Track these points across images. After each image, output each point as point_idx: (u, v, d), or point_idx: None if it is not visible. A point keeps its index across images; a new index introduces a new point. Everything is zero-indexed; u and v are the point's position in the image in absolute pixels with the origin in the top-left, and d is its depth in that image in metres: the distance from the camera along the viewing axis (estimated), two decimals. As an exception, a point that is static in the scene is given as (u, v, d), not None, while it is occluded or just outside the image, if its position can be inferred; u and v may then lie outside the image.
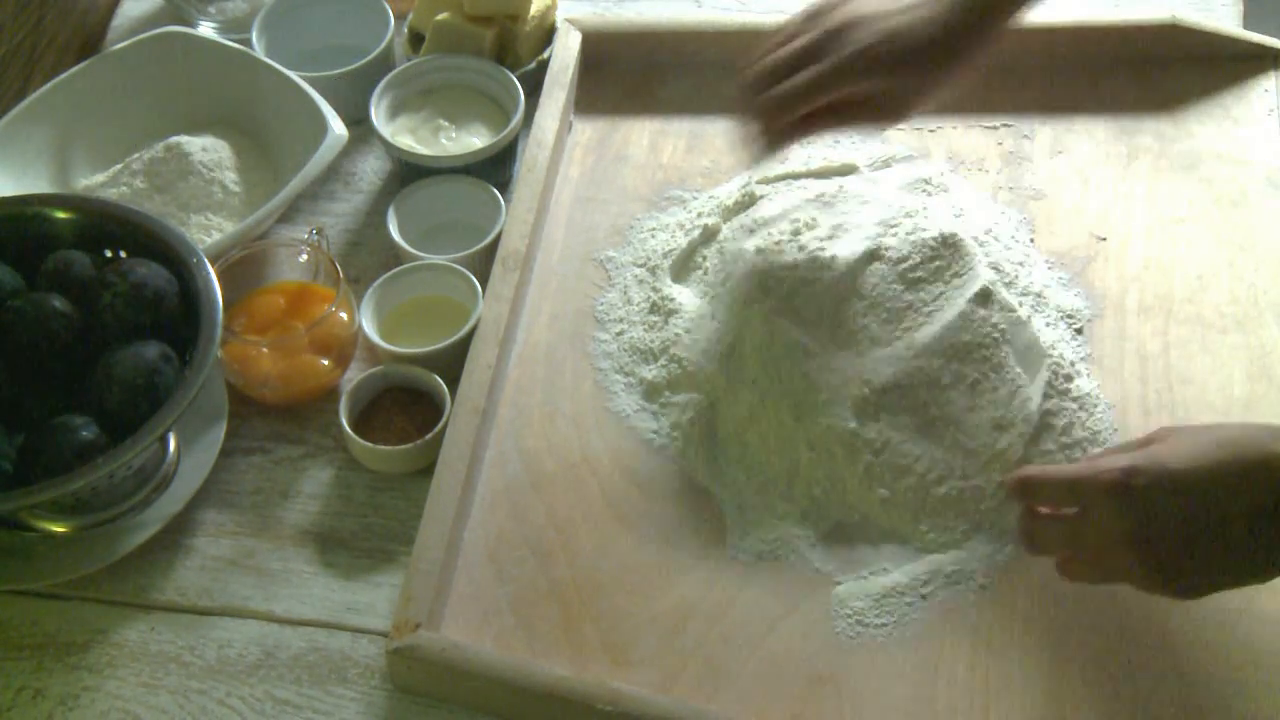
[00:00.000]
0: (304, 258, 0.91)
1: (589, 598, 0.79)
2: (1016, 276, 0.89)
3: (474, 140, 0.99)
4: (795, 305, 0.85)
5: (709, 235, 0.93)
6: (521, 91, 0.99)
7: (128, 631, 0.80)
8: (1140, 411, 0.85)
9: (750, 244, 0.89)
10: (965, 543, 0.80)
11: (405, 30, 1.07)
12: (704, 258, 0.92)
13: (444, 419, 0.84)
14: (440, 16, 1.03)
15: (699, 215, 0.95)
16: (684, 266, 0.93)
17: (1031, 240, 0.94)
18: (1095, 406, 0.85)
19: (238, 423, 0.88)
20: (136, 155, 0.99)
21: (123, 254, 0.85)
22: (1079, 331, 0.89)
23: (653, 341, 0.89)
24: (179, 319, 0.82)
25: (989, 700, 0.74)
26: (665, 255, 0.93)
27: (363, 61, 1.03)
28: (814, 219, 0.89)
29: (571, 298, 0.93)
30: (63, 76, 0.99)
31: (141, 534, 0.81)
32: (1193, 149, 0.99)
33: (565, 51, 1.04)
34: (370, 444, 0.84)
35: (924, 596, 0.78)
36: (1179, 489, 0.66)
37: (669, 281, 0.91)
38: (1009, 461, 0.80)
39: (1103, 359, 0.88)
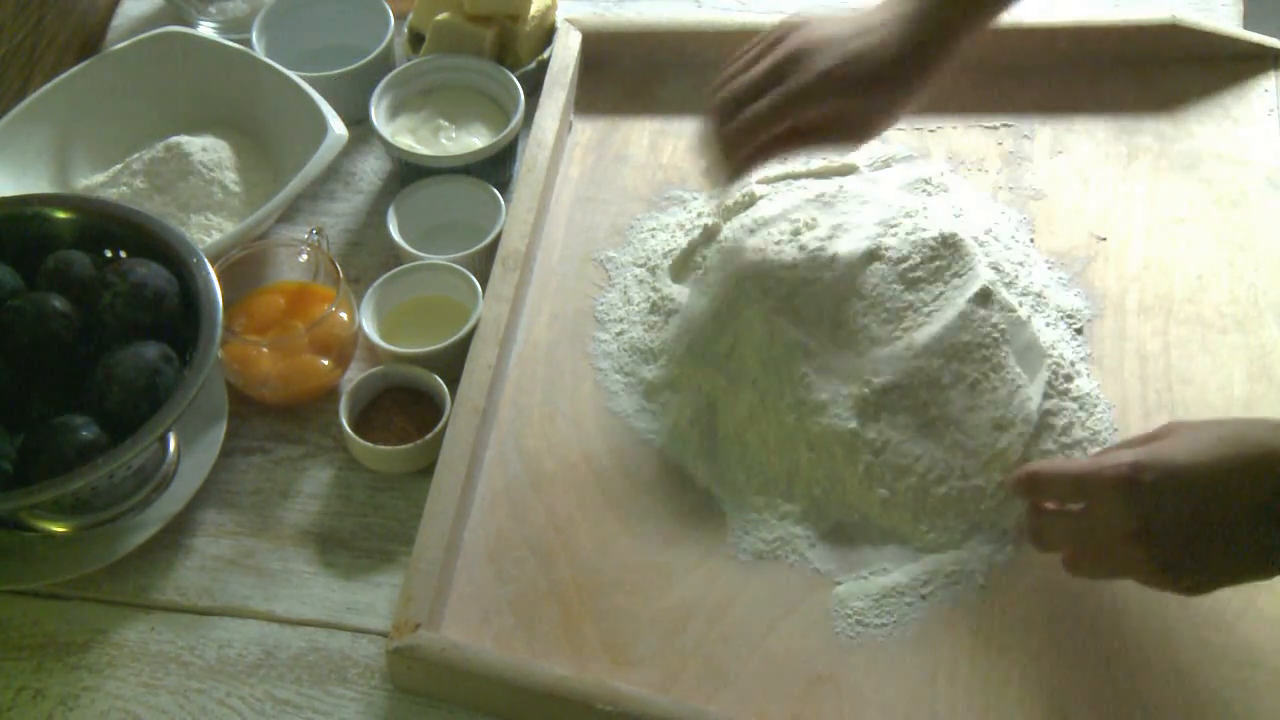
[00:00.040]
0: (304, 258, 0.91)
1: (589, 598, 0.79)
2: (1016, 276, 0.89)
3: (474, 140, 0.99)
4: (795, 305, 0.85)
5: (709, 235, 0.93)
6: (521, 91, 0.99)
7: (128, 631, 0.80)
8: (1140, 411, 0.85)
9: (750, 244, 0.89)
10: (965, 543, 0.80)
11: (405, 30, 1.07)
12: (704, 258, 0.92)
13: (444, 419, 0.84)
14: (440, 16, 1.03)
15: (699, 215, 0.95)
16: (684, 266, 0.93)
17: (1031, 240, 0.94)
18: (1095, 406, 0.85)
19: (238, 423, 0.88)
20: (136, 155, 0.99)
21: (123, 254, 0.85)
22: (1079, 331, 0.89)
23: (653, 341, 0.89)
24: (179, 319, 0.82)
25: (989, 700, 0.74)
26: (665, 255, 0.93)
27: (363, 61, 1.03)
28: (814, 219, 0.89)
29: (571, 298, 0.93)
30: (63, 76, 0.99)
31: (141, 534, 0.81)
32: (1193, 149, 0.99)
33: (565, 51, 1.04)
34: (370, 444, 0.84)
35: (924, 596, 0.78)
36: (1186, 484, 0.66)
37: (669, 281, 0.91)
38: (1009, 461, 0.80)
39: (1103, 359, 0.88)
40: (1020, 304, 0.86)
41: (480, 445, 0.84)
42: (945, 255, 0.85)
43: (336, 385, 0.90)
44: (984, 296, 0.83)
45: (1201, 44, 1.02)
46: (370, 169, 1.04)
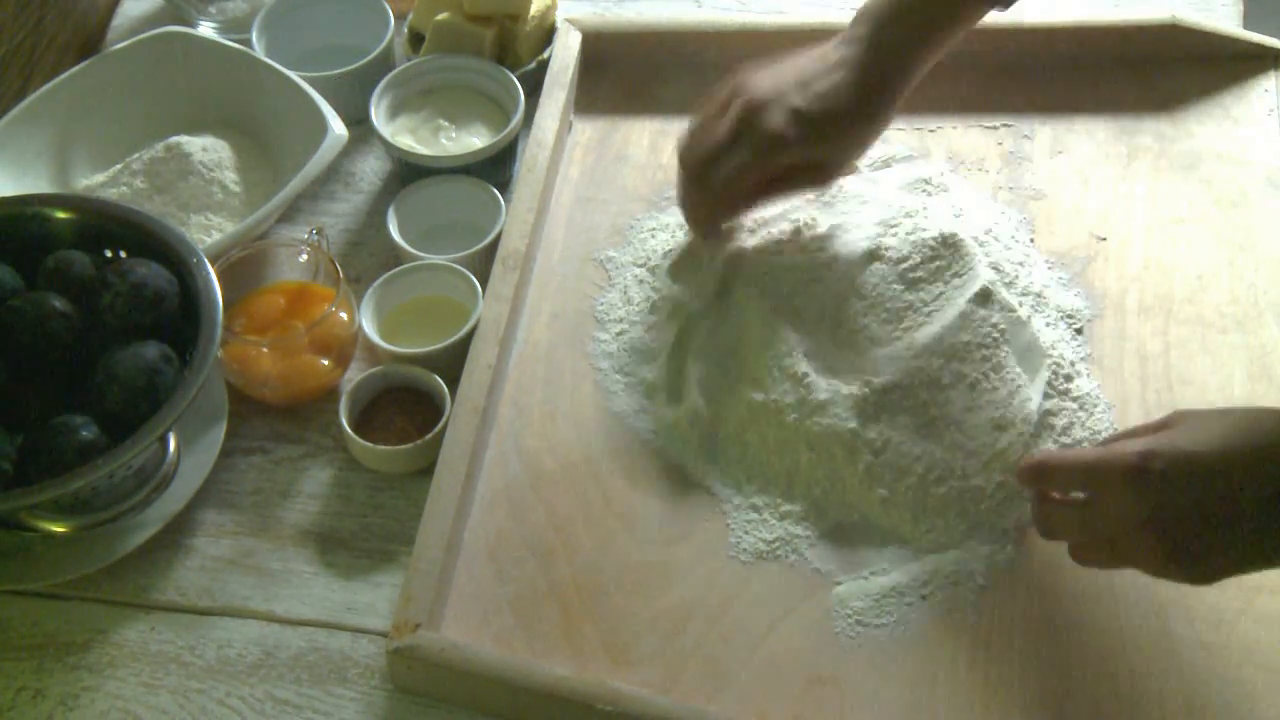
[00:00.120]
0: (304, 258, 0.91)
1: (589, 598, 0.79)
2: (1016, 276, 0.89)
3: (474, 140, 0.99)
4: (795, 305, 0.85)
5: (709, 235, 0.93)
6: (521, 91, 0.99)
7: (128, 631, 0.80)
8: (1140, 411, 0.85)
9: (750, 244, 0.89)
10: (965, 543, 0.80)
11: (405, 30, 1.07)
12: (704, 258, 0.91)
13: (444, 419, 0.84)
14: (440, 16, 1.03)
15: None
16: (684, 266, 0.92)
17: (1031, 240, 0.94)
18: (1095, 406, 0.85)
19: (238, 423, 0.88)
20: (136, 155, 0.98)
21: (123, 254, 0.85)
22: (1079, 331, 0.89)
23: (653, 341, 0.89)
24: (179, 319, 0.82)
25: (989, 700, 0.74)
26: (665, 255, 0.93)
27: (363, 61, 1.03)
28: (814, 219, 0.89)
29: (571, 298, 0.93)
30: (63, 76, 0.99)
31: (141, 534, 0.81)
32: (1193, 149, 0.99)
33: (565, 51, 1.04)
34: (370, 444, 0.84)
35: (924, 596, 0.78)
36: (1196, 472, 0.65)
37: (669, 281, 0.91)
38: (1009, 461, 0.80)
39: (1103, 359, 0.88)
40: (1020, 304, 0.86)
41: (480, 445, 0.84)
42: (945, 255, 0.85)
43: (336, 385, 0.90)
44: (984, 296, 0.83)
45: (1201, 44, 1.02)
46: (370, 169, 1.04)
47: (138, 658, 0.79)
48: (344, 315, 0.87)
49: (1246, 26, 1.06)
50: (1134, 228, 0.95)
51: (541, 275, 0.94)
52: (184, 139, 0.98)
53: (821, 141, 0.82)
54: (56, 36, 1.08)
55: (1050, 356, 0.85)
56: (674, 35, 1.06)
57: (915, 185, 0.95)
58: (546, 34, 1.06)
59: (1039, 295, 0.89)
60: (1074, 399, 0.84)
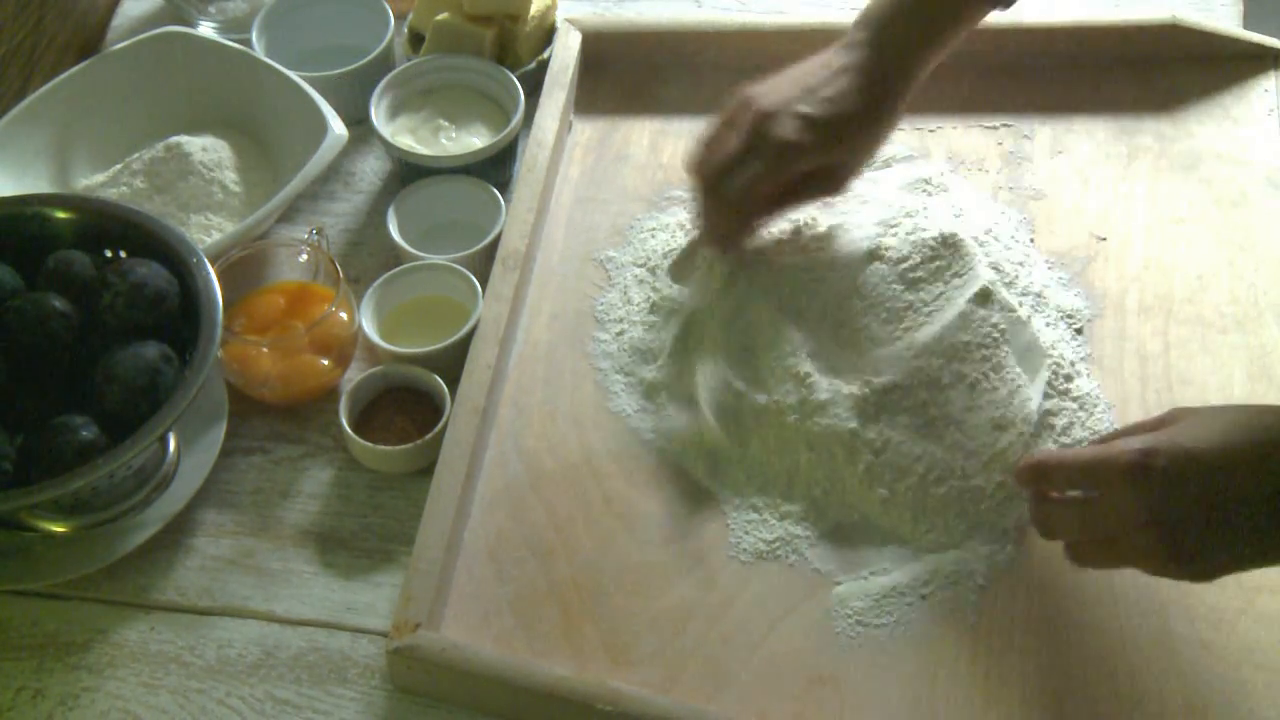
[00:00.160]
0: (304, 258, 0.91)
1: (589, 598, 0.79)
2: (1016, 276, 0.89)
3: (474, 140, 0.99)
4: (796, 305, 0.85)
5: (709, 235, 0.93)
6: (521, 91, 0.99)
7: (128, 631, 0.80)
8: (1140, 411, 0.85)
9: (751, 244, 0.89)
10: (965, 543, 0.80)
11: (405, 30, 1.07)
12: (704, 258, 0.92)
13: (444, 419, 0.84)
14: (440, 16, 1.03)
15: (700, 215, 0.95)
16: (684, 266, 0.92)
17: (1031, 240, 0.94)
18: (1095, 406, 0.85)
19: (238, 423, 0.88)
20: (136, 155, 0.98)
21: (123, 254, 0.85)
22: (1079, 331, 0.89)
23: (653, 341, 0.89)
24: (179, 319, 0.82)
25: (989, 700, 0.74)
26: (665, 255, 0.93)
27: (363, 61, 1.03)
28: (814, 219, 0.89)
29: (571, 298, 0.93)
30: (63, 76, 0.99)
31: (141, 534, 0.81)
32: (1193, 149, 0.99)
33: (565, 51, 1.04)
34: (370, 444, 0.84)
35: (924, 596, 0.78)
36: (1198, 469, 0.65)
37: (669, 281, 0.91)
38: (1009, 461, 0.80)
39: (1103, 359, 0.88)
40: (1020, 304, 0.86)
41: (480, 445, 0.84)
42: (945, 255, 0.85)
43: (336, 385, 0.90)
44: (984, 296, 0.83)
45: (1201, 44, 1.02)
46: (370, 169, 1.04)
47: (138, 658, 0.79)
48: (344, 315, 0.87)
49: (1246, 26, 1.06)
50: (1134, 228, 0.95)
51: (541, 275, 0.94)
52: (184, 139, 0.98)
53: (834, 145, 0.82)
54: (56, 36, 1.08)
55: (1050, 356, 0.85)
56: (674, 35, 1.06)
57: (915, 185, 0.95)
58: (546, 34, 1.06)
59: (1039, 295, 0.89)
60: (1074, 399, 0.84)
